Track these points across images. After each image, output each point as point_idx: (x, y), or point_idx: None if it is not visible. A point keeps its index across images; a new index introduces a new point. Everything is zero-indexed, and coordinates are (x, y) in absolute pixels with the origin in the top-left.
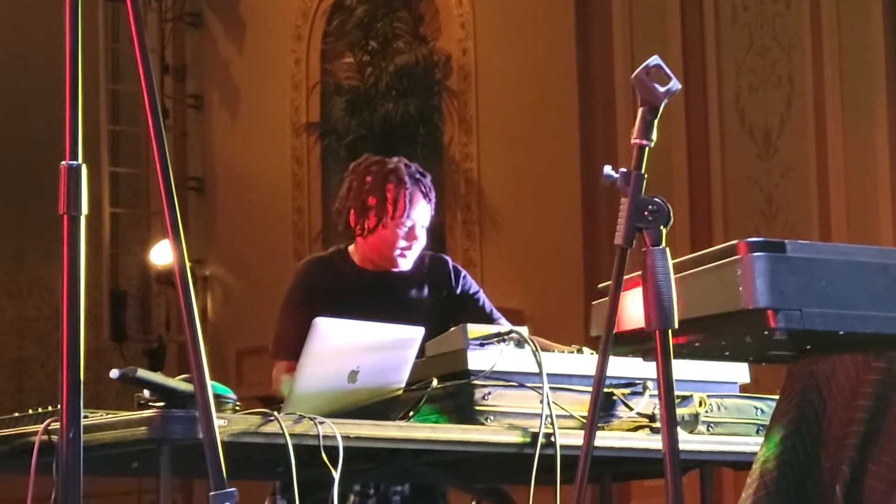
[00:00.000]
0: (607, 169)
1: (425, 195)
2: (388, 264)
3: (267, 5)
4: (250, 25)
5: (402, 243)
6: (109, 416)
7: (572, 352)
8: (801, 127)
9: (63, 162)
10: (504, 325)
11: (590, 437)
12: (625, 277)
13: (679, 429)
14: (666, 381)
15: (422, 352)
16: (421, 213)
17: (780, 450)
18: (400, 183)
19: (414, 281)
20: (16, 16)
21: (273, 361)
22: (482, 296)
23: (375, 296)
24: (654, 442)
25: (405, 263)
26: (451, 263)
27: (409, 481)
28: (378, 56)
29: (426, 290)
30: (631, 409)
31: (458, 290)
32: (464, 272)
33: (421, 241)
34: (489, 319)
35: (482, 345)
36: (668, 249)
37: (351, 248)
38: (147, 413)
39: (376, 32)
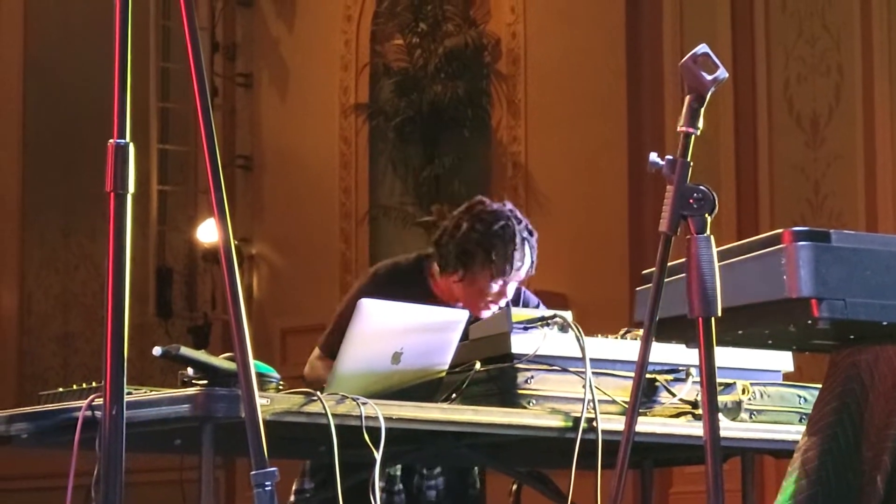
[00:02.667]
0: (653, 156)
1: (528, 256)
2: (470, 309)
3: None
4: (301, 5)
5: (491, 298)
6: (153, 392)
7: (617, 337)
8: (850, 116)
9: (111, 140)
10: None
11: (631, 423)
12: (670, 264)
13: (721, 416)
14: (708, 368)
15: (465, 335)
16: (519, 273)
17: (822, 439)
18: (508, 242)
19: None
20: None
21: (316, 348)
22: (541, 309)
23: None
24: (696, 428)
25: (486, 314)
26: (525, 294)
27: (449, 464)
28: (427, 38)
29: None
30: (674, 395)
31: (520, 305)
32: (523, 289)
33: (509, 297)
34: None
35: (526, 328)
36: (712, 237)
37: (434, 271)
38: (190, 391)
39: (426, 14)
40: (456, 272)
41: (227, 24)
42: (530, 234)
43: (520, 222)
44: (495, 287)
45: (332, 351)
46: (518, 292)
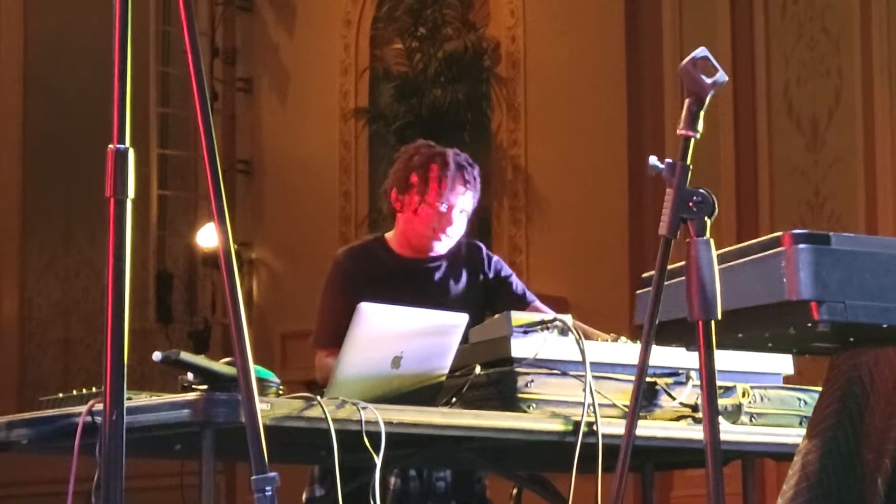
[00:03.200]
0: (653, 159)
1: (468, 182)
2: (425, 245)
3: None
4: (300, 10)
5: (438, 224)
6: (153, 398)
7: (607, 340)
8: (849, 119)
9: (110, 145)
10: (540, 308)
11: (632, 426)
12: (670, 267)
13: (722, 419)
14: (708, 371)
15: (465, 338)
16: (462, 199)
17: (822, 441)
18: (444, 165)
19: (451, 267)
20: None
21: (314, 352)
22: (515, 279)
23: (412, 281)
24: (696, 432)
25: (441, 246)
26: (484, 249)
27: (450, 467)
28: (427, 42)
29: (463, 277)
30: (674, 398)
31: (492, 275)
32: (496, 257)
33: (458, 227)
34: (523, 301)
35: (526, 332)
36: (712, 240)
37: (389, 235)
38: (190, 396)
39: (426, 19)
40: (403, 206)
41: (226, 29)
42: (470, 164)
43: (459, 154)
44: (438, 210)
45: (329, 342)
46: (490, 259)
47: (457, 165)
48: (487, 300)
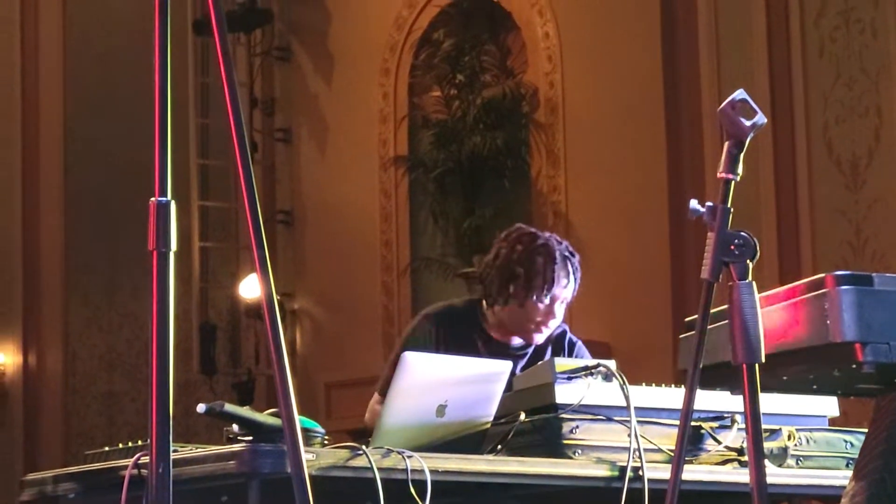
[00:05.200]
0: (693, 203)
1: (569, 273)
2: (524, 337)
3: (355, 39)
4: (338, 59)
5: (543, 318)
6: (198, 450)
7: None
8: (890, 157)
9: (152, 198)
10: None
11: (677, 471)
12: (713, 311)
13: (768, 462)
14: (753, 414)
15: (509, 386)
16: (564, 291)
17: (869, 483)
18: (549, 259)
19: (535, 355)
20: (105, 52)
21: (365, 397)
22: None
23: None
24: (742, 475)
25: (539, 338)
26: (568, 333)
27: None
28: (465, 89)
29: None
30: (719, 442)
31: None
32: (579, 343)
33: (558, 319)
34: None
35: (570, 378)
36: (754, 283)
37: (485, 310)
38: (235, 447)
39: (463, 66)
40: (502, 297)
41: (265, 80)
42: (571, 254)
43: (560, 242)
44: (542, 307)
45: (385, 389)
46: (573, 346)
47: (561, 258)
48: None
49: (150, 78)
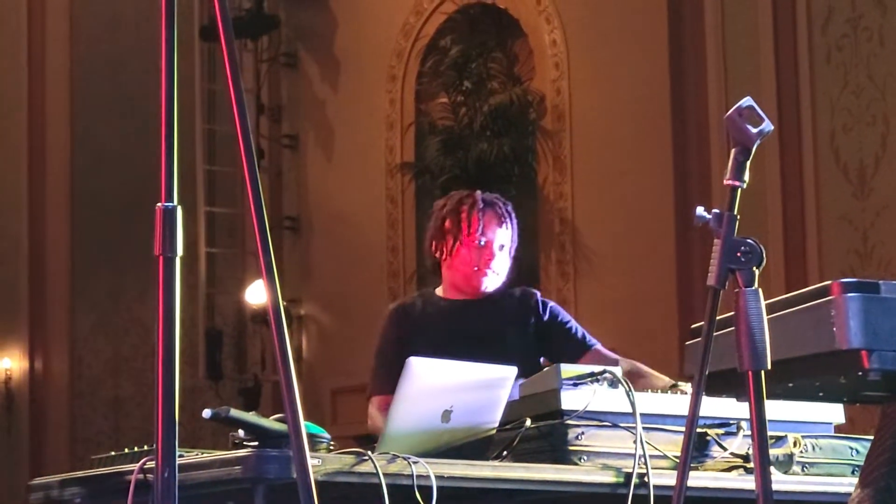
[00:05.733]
0: (699, 210)
1: (502, 217)
2: (472, 286)
3: (362, 46)
4: (345, 66)
5: (480, 260)
6: (204, 455)
7: (666, 383)
8: None
9: (158, 203)
10: (602, 352)
11: (683, 477)
12: (719, 318)
13: (773, 469)
14: (759, 421)
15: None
16: (499, 233)
17: (875, 491)
18: (473, 203)
19: (501, 310)
20: (112, 58)
21: (368, 402)
22: (574, 324)
23: (462, 323)
24: (748, 482)
25: (487, 283)
26: (538, 294)
27: None
28: (472, 96)
29: (514, 320)
30: (725, 449)
31: (546, 318)
32: (552, 303)
33: (501, 262)
34: (583, 345)
35: (575, 384)
36: (760, 290)
37: (438, 288)
38: (241, 452)
39: (470, 73)
40: (443, 253)
41: (272, 86)
42: (500, 200)
43: (486, 193)
44: (478, 249)
45: (375, 389)
46: (545, 305)
47: (486, 202)
48: (543, 344)
49: (157, 83)
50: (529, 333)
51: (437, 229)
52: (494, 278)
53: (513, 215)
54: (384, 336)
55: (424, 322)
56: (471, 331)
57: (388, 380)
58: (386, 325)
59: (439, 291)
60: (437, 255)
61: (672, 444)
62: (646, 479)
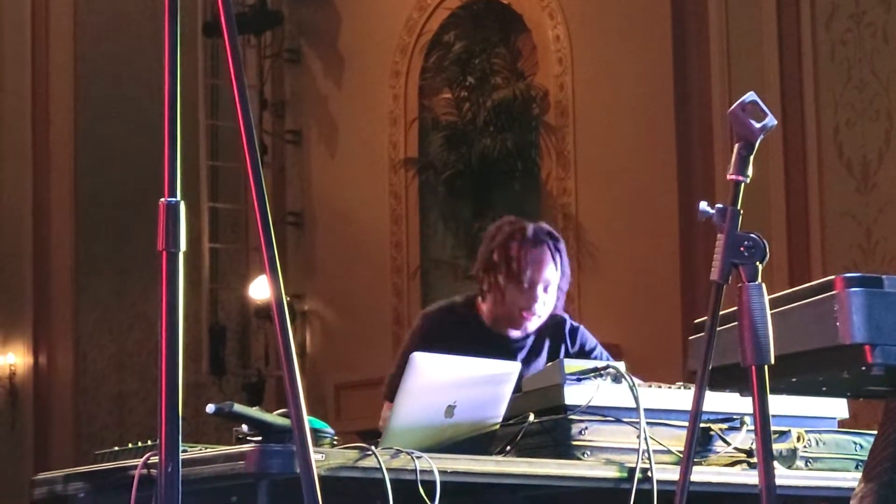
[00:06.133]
0: (703, 205)
1: (551, 256)
2: (512, 325)
3: (365, 41)
4: (349, 61)
5: (524, 302)
6: (208, 450)
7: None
8: None
9: (161, 199)
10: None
11: (686, 472)
12: (723, 313)
13: (777, 464)
14: (762, 416)
15: (518, 387)
16: (544, 274)
17: (878, 486)
18: (524, 240)
19: (534, 346)
20: (116, 53)
21: (383, 402)
22: (599, 351)
23: (495, 355)
24: (752, 477)
25: (531, 326)
26: (569, 321)
27: None
28: (476, 91)
29: (545, 350)
30: (728, 444)
31: (575, 349)
32: (581, 329)
33: (546, 304)
34: None
35: (579, 380)
36: (763, 285)
37: (481, 305)
38: (244, 447)
39: (474, 68)
40: (487, 288)
41: (275, 82)
42: (553, 238)
43: (542, 229)
44: (524, 292)
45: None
46: (574, 333)
47: (535, 240)
48: None
49: (160, 80)
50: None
51: (486, 261)
52: (536, 321)
53: (563, 252)
54: (411, 341)
55: (456, 340)
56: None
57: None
58: (415, 331)
59: (481, 312)
60: (485, 287)
61: (675, 439)
62: (649, 474)
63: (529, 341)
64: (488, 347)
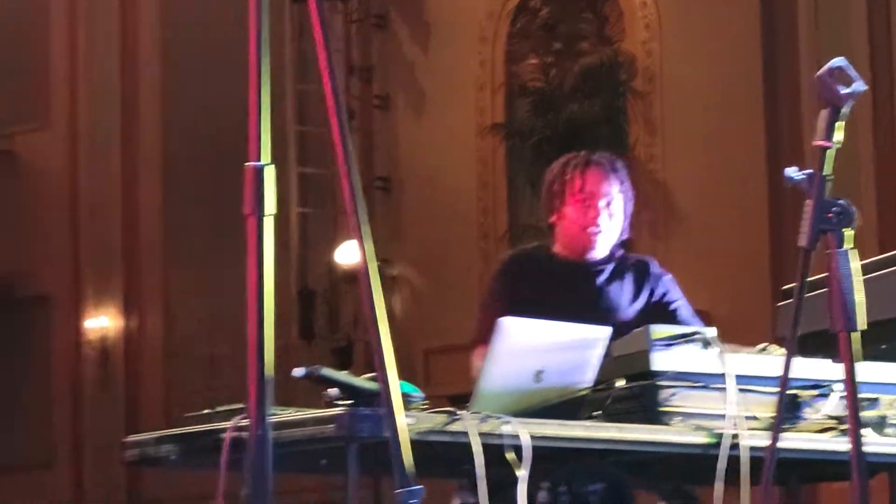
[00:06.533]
0: (789, 171)
1: (604, 172)
2: (581, 246)
3: (452, 7)
4: (435, 27)
5: (586, 218)
6: (298, 413)
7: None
8: None
9: (248, 162)
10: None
11: (775, 439)
12: (813, 279)
13: (867, 431)
14: (852, 383)
15: (608, 351)
16: (603, 188)
17: None
18: (578, 164)
19: (615, 274)
20: (204, 16)
21: (459, 362)
22: (681, 304)
23: (573, 282)
24: (841, 444)
25: (597, 243)
26: (654, 265)
27: (594, 481)
28: (562, 57)
29: (628, 287)
30: (818, 410)
31: (657, 296)
32: (665, 278)
33: (609, 220)
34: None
35: (668, 346)
36: (852, 251)
37: (556, 245)
38: (334, 411)
39: (561, 34)
40: (553, 213)
41: (362, 47)
42: (607, 158)
43: (594, 153)
44: (584, 206)
45: (480, 338)
46: (659, 279)
47: (589, 160)
48: (648, 319)
49: (248, 42)
50: (638, 306)
51: (546, 191)
52: (602, 238)
53: (620, 171)
54: (493, 285)
55: (535, 277)
56: (580, 293)
57: (490, 331)
58: (496, 275)
59: (556, 248)
60: (548, 216)
61: (764, 405)
62: (738, 440)
63: (609, 267)
64: (567, 277)
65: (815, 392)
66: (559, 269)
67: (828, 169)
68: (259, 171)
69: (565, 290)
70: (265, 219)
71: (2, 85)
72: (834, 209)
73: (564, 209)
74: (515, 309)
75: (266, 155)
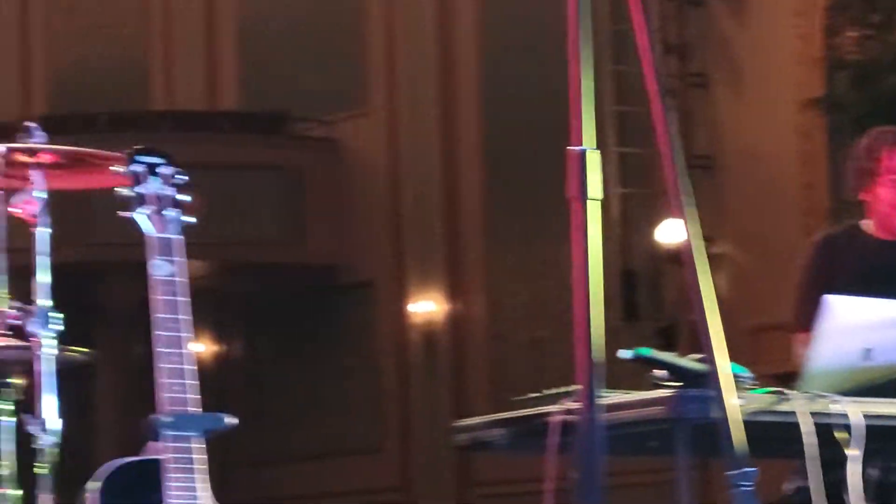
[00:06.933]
0: None
1: None
2: (891, 225)
3: None
4: (750, 2)
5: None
6: (626, 396)
7: None
8: None
9: (571, 146)
10: None
11: None
12: None
13: None
14: None
15: None
16: None
17: None
18: (882, 137)
19: None
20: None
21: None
22: None
23: (887, 262)
24: None
25: None
26: None
27: None
28: (882, 29)
29: None
30: None
31: None
32: None
33: None
34: None
35: None
36: None
37: (864, 221)
38: (663, 393)
39: (880, 5)
40: (863, 191)
41: (678, 25)
42: None
43: None
44: (891, 185)
45: (797, 325)
46: None
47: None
48: None
49: (567, 24)
50: None
51: (856, 167)
52: None
53: None
54: (806, 268)
55: (848, 256)
56: (892, 269)
57: (807, 315)
58: (809, 257)
59: (866, 227)
60: (857, 193)
61: None
62: None
63: None
64: (879, 258)
65: None
66: (872, 249)
67: None
68: (582, 156)
69: (881, 269)
70: (590, 203)
71: (320, 71)
72: None
73: (874, 188)
74: (831, 291)
75: (589, 139)
